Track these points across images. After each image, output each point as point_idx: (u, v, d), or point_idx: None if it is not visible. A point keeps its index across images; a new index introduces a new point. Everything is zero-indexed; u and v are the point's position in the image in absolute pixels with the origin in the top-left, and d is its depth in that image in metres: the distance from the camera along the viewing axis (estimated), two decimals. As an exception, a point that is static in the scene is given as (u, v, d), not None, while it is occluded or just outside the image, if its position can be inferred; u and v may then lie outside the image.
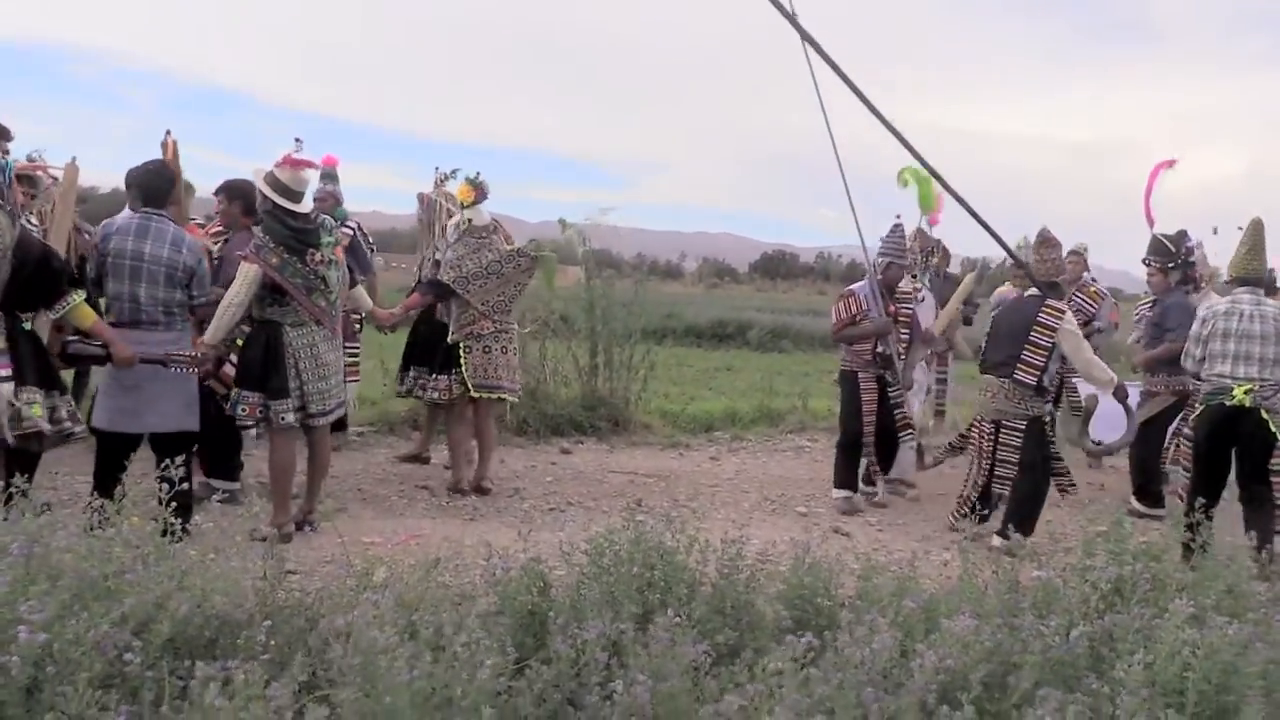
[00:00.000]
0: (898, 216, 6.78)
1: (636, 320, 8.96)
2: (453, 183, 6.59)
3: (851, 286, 6.56)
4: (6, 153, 5.18)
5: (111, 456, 4.64)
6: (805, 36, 4.80)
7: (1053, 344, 5.55)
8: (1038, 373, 5.56)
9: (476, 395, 6.23)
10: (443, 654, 2.41)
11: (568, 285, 11.35)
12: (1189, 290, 6.94)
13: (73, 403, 4.55)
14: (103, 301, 4.81)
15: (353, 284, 5.68)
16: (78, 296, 4.37)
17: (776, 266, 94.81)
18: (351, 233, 6.76)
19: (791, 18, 4.68)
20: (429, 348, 6.42)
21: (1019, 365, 5.56)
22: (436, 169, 6.79)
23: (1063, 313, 5.63)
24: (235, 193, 5.57)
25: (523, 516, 5.87)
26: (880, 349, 6.37)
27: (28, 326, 4.32)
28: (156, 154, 5.23)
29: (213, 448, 5.52)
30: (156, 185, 4.84)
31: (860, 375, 6.43)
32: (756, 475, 7.52)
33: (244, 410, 4.98)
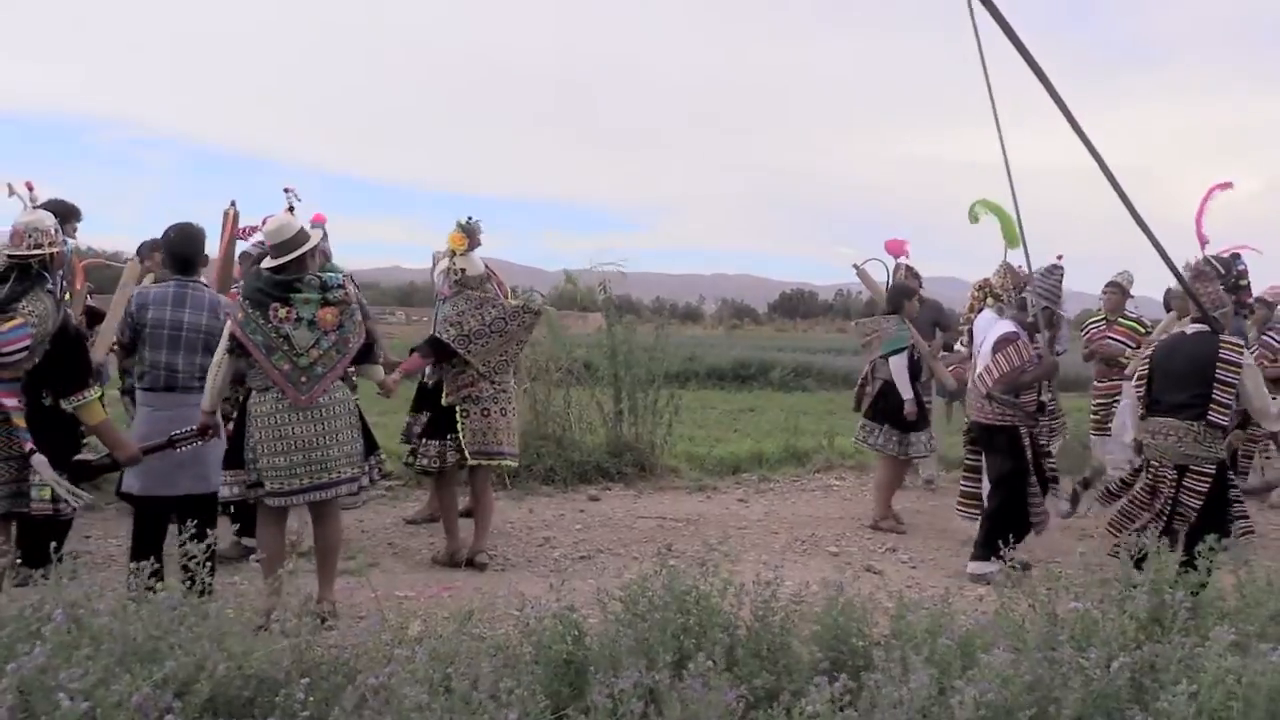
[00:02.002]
0: (1059, 256, 6.23)
1: (659, 364, 8.98)
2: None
3: (1007, 330, 5.88)
4: (74, 233, 5.31)
5: (148, 521, 4.68)
6: (1015, 42, 4.16)
7: (1239, 381, 5.25)
8: (1228, 412, 5.26)
9: (473, 463, 5.79)
10: (479, 707, 2.41)
11: (588, 332, 11.41)
12: (1244, 315, 6.81)
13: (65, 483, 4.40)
14: (136, 366, 4.86)
15: (368, 349, 4.93)
16: (94, 393, 4.29)
17: (796, 305, 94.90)
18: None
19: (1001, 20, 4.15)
20: (419, 409, 6.14)
21: (1212, 406, 5.20)
22: (458, 223, 6.73)
23: (1243, 348, 5.37)
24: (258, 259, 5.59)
25: (553, 565, 5.88)
26: (1042, 396, 5.96)
27: (47, 402, 4.28)
28: (176, 217, 5.28)
29: (245, 507, 5.52)
30: (187, 251, 4.83)
31: (1020, 430, 5.85)
32: (786, 516, 7.49)
33: (224, 489, 4.76)
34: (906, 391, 6.89)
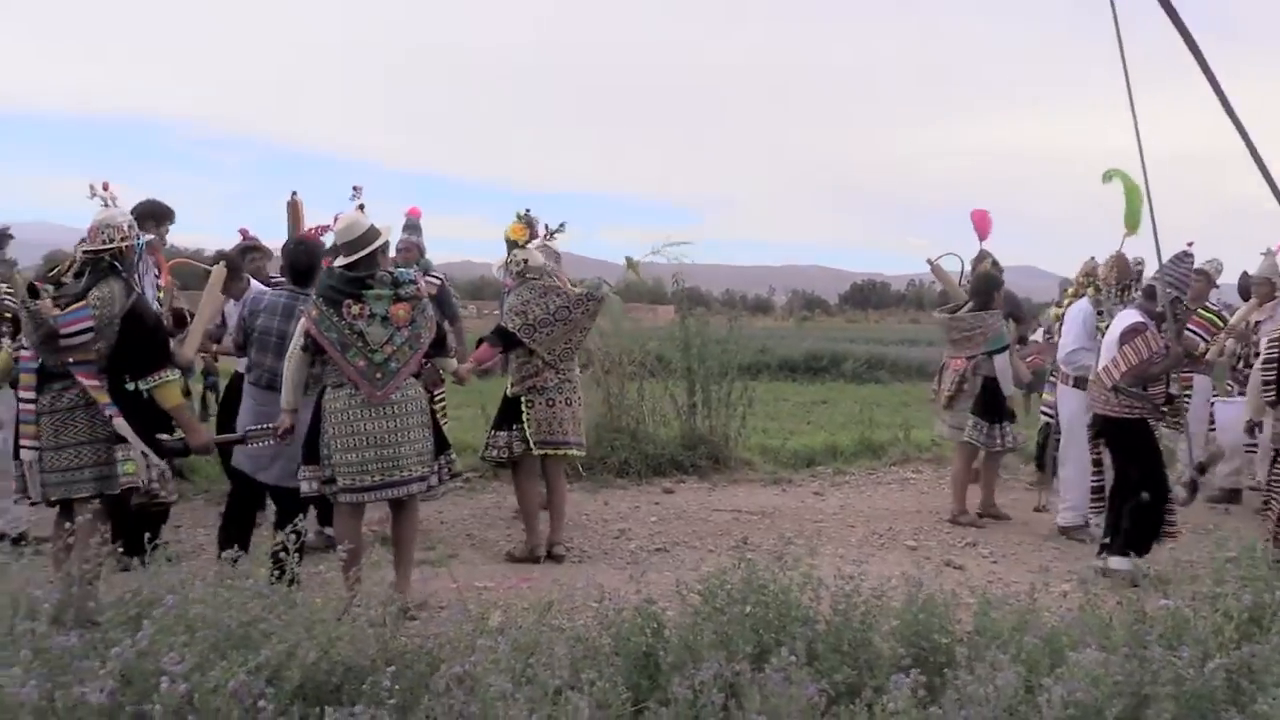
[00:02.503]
0: (1189, 244, 6.01)
1: (732, 357, 8.95)
2: (560, 237, 6.54)
3: (1134, 319, 5.67)
4: (166, 233, 5.55)
5: (241, 503, 4.95)
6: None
7: None
8: None
9: (539, 453, 5.79)
10: (560, 697, 2.44)
11: (658, 325, 11.41)
12: None
13: (165, 468, 4.66)
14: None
15: (440, 342, 5.01)
16: (170, 375, 4.46)
17: (867, 296, 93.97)
18: (440, 282, 6.69)
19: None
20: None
21: None
22: (544, 225, 6.45)
23: None
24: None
25: (629, 557, 5.90)
26: (1171, 388, 5.77)
27: (130, 388, 4.43)
28: (253, 215, 5.57)
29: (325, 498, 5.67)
30: (303, 263, 5.03)
31: (1149, 422, 5.68)
32: (862, 509, 7.42)
33: (305, 485, 4.77)
34: (1010, 388, 6.86)
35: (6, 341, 5.12)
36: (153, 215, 5.42)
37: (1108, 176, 6.88)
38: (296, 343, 4.62)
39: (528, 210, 6.01)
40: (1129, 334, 5.61)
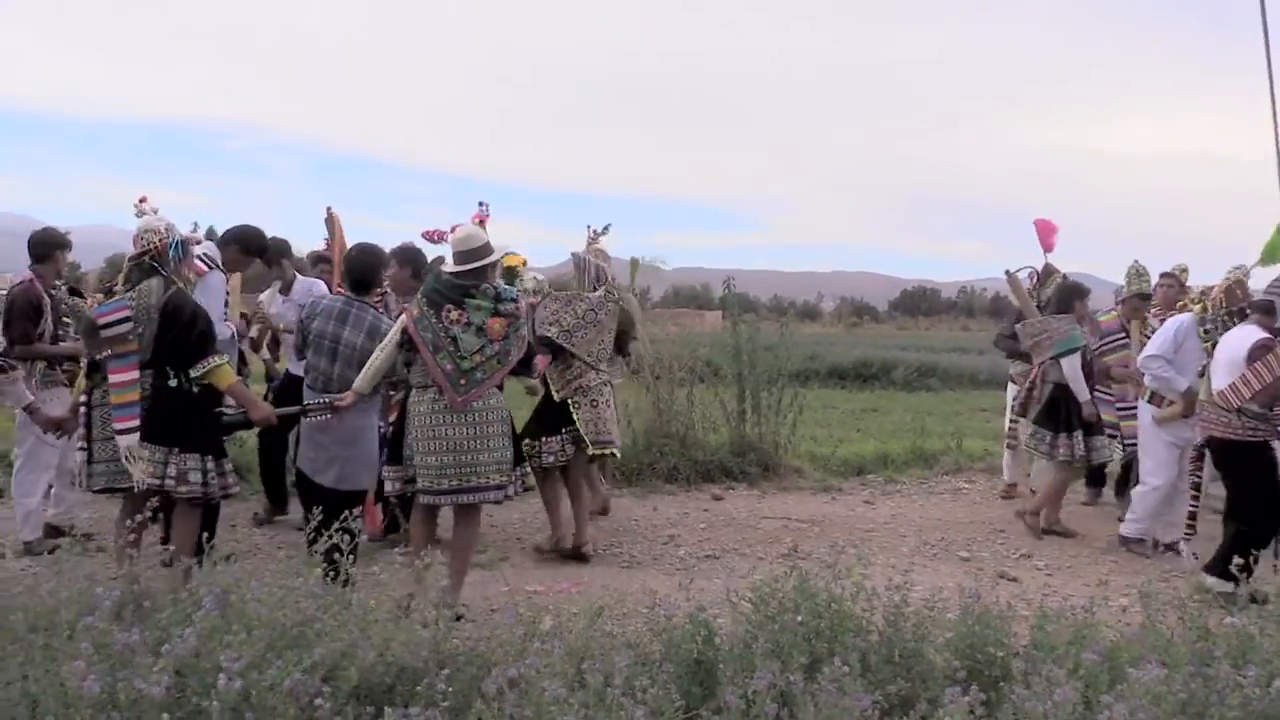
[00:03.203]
0: None
1: (783, 363, 8.91)
2: (604, 239, 6.62)
3: (1260, 335, 5.41)
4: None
5: (305, 501, 5.02)
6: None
7: None
8: None
9: (594, 452, 6.00)
10: (615, 703, 2.44)
11: (704, 331, 11.38)
12: None
13: (225, 466, 4.76)
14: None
15: (527, 361, 5.12)
16: (219, 359, 4.63)
17: (917, 303, 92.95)
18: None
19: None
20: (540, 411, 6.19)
21: None
22: (589, 227, 6.77)
23: None
24: (405, 258, 5.79)
25: (679, 563, 5.89)
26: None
27: (173, 384, 4.58)
28: (302, 219, 5.83)
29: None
30: (360, 271, 5.18)
31: (1269, 444, 5.44)
32: (914, 519, 7.34)
33: (387, 484, 4.99)
34: (1083, 393, 6.60)
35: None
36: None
37: (1269, 254, 6.43)
38: (393, 337, 4.77)
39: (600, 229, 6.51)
40: (1259, 350, 5.34)
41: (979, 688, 2.52)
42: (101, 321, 4.51)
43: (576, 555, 5.89)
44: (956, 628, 3.18)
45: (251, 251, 5.93)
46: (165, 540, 4.39)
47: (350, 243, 6.08)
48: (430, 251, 6.34)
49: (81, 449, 4.72)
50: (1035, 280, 7.57)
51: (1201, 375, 5.98)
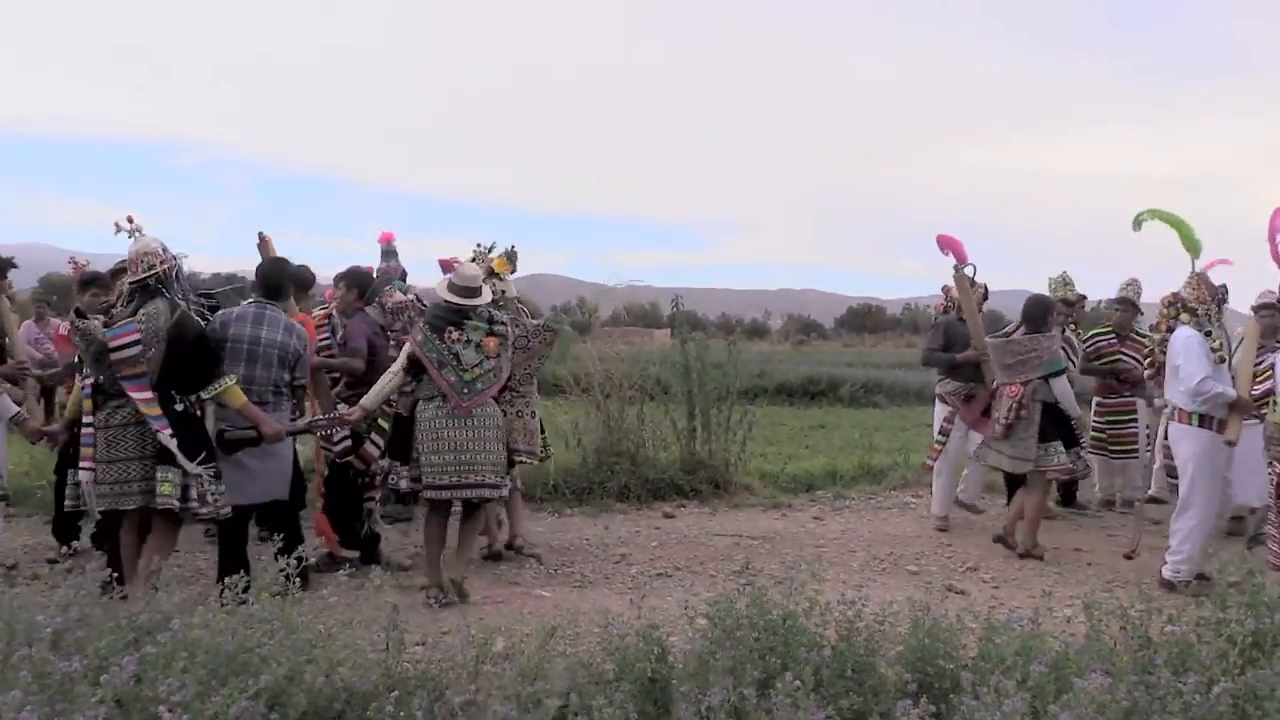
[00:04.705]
0: None
1: (731, 381, 8.94)
2: (493, 255, 6.60)
3: None
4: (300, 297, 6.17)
5: (230, 532, 5.07)
6: None
7: None
8: None
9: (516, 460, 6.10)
10: (568, 723, 2.43)
11: (655, 348, 11.40)
12: None
13: (209, 485, 4.77)
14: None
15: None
16: (229, 380, 4.78)
17: (863, 320, 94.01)
18: (412, 301, 6.85)
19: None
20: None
21: None
22: (478, 245, 6.56)
23: None
24: (352, 281, 6.14)
25: (631, 582, 5.88)
26: None
27: (179, 408, 4.68)
28: (252, 236, 6.01)
29: (339, 520, 5.91)
30: (274, 279, 5.35)
31: None
32: (863, 534, 7.40)
33: (393, 478, 5.39)
34: (1074, 410, 6.63)
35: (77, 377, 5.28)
36: (298, 280, 6.01)
37: (1138, 224, 6.53)
38: (401, 362, 5.34)
39: (512, 246, 6.44)
40: None
41: (930, 700, 2.55)
42: (113, 345, 4.57)
43: (511, 547, 6.34)
44: (907, 641, 3.21)
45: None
46: (111, 566, 4.29)
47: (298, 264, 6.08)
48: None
49: (87, 469, 4.72)
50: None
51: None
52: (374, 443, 5.69)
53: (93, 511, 4.82)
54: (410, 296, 6.97)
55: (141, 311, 4.67)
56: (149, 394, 4.59)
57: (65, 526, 6.08)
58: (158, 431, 4.59)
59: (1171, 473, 6.56)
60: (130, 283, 4.80)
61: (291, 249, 6.51)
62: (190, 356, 4.67)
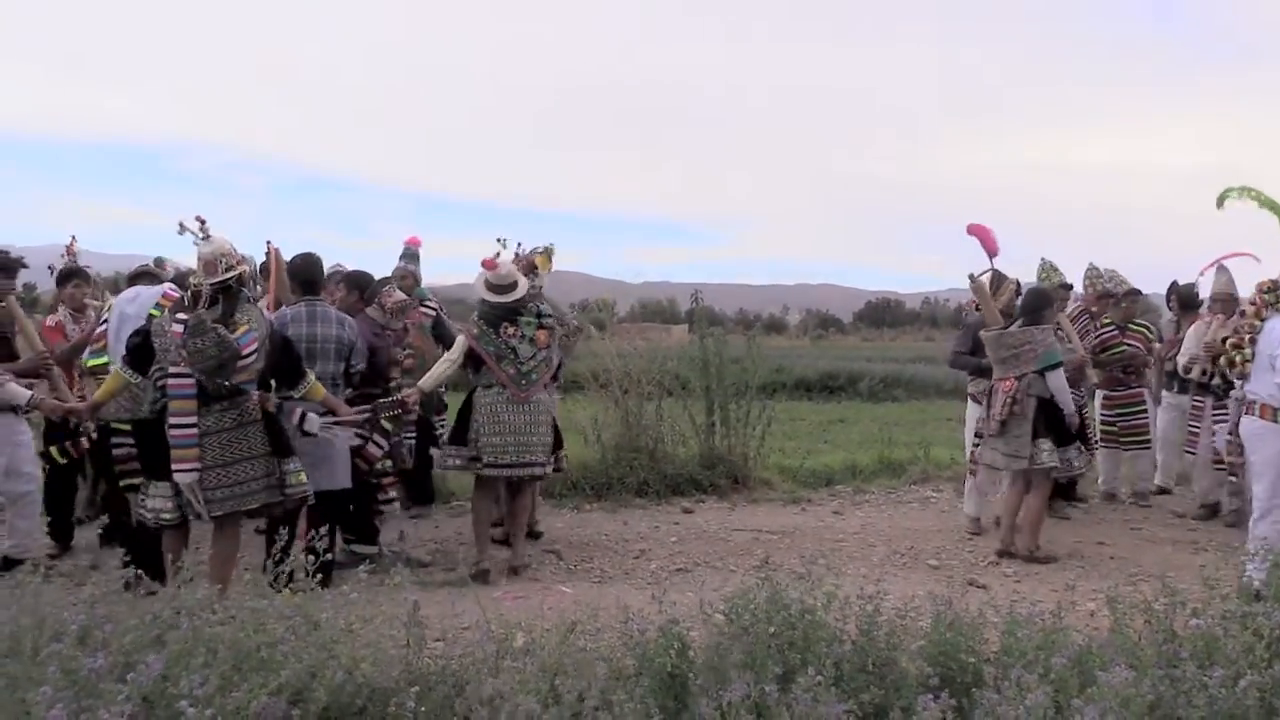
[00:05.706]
0: None
1: (750, 376, 8.92)
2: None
3: None
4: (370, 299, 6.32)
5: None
6: None
7: None
8: None
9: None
10: (590, 718, 2.43)
11: (673, 344, 11.39)
12: None
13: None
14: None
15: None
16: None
17: (881, 314, 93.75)
18: (435, 312, 7.13)
19: None
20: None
21: None
22: (498, 239, 6.42)
23: None
24: (353, 282, 6.25)
25: (651, 577, 5.89)
26: None
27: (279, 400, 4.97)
28: (273, 238, 6.21)
29: (352, 517, 6.00)
30: (307, 275, 5.65)
31: None
32: (883, 528, 7.37)
33: (450, 461, 5.87)
34: (1069, 405, 6.43)
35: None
36: (362, 285, 6.27)
37: (1221, 200, 6.21)
38: (458, 353, 5.79)
39: (551, 244, 6.58)
40: None
41: (951, 694, 2.54)
42: (245, 353, 4.59)
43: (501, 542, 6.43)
44: (928, 635, 3.20)
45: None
46: (131, 564, 4.31)
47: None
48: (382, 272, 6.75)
49: (189, 470, 4.57)
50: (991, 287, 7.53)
51: None
52: (376, 444, 5.75)
53: (203, 515, 4.66)
54: (433, 306, 7.13)
55: (247, 320, 4.67)
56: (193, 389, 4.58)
57: (62, 527, 6.24)
58: (305, 415, 4.97)
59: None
60: (211, 284, 4.63)
61: (310, 250, 6.58)
62: (283, 357, 4.94)
